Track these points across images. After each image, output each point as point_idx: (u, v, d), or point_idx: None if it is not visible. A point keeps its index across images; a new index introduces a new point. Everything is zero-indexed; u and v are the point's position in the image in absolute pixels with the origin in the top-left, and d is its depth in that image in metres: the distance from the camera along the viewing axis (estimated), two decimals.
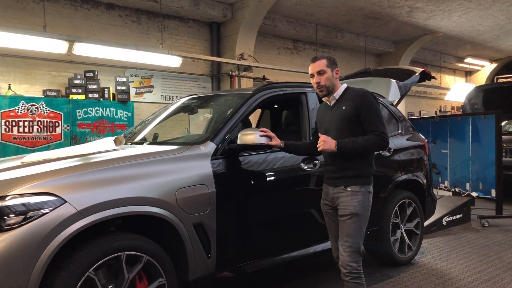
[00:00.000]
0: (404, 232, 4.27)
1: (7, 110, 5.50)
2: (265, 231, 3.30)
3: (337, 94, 2.85)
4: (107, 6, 6.79)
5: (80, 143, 6.08)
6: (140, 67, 7.16)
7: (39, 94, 6.06)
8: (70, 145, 6.00)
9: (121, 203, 2.51)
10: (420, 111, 12.65)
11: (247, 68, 7.96)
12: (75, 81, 6.12)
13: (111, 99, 6.38)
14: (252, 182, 3.23)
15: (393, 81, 5.08)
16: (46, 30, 5.84)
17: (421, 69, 5.28)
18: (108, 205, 2.45)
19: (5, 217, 2.24)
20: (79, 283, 2.33)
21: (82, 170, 2.56)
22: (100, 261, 2.40)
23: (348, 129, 2.76)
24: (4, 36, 5.35)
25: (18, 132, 5.60)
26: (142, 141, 3.74)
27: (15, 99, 5.58)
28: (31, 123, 5.68)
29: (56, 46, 5.74)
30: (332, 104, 2.88)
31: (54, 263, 2.30)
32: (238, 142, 3.09)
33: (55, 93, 5.97)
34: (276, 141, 3.01)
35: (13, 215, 2.26)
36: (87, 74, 6.30)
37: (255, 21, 7.82)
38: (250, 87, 4.30)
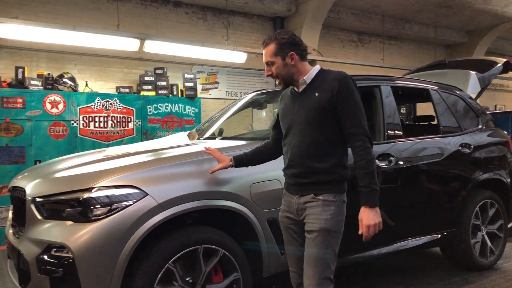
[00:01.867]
0: (485, 235, 4.00)
1: (84, 106, 5.81)
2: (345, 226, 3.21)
3: (308, 78, 2.26)
4: (174, 4, 6.96)
5: (150, 138, 6.31)
6: (206, 63, 7.29)
7: (113, 91, 6.35)
8: (141, 140, 6.24)
9: (198, 196, 2.55)
10: (495, 106, 11.83)
11: (311, 63, 7.81)
12: (146, 78, 6.34)
13: (180, 95, 6.55)
14: None
15: (472, 73, 4.75)
16: (119, 29, 6.09)
17: (504, 60, 4.90)
18: (186, 198, 2.50)
19: (92, 208, 2.35)
20: (160, 274, 2.39)
21: (161, 164, 2.63)
22: (179, 254, 2.46)
23: (321, 122, 2.18)
24: (82, 36, 5.64)
25: (95, 127, 5.90)
26: (214, 136, 3.79)
27: (91, 96, 5.88)
28: (106, 118, 5.96)
29: (128, 44, 5.97)
30: (301, 90, 2.28)
31: (135, 254, 2.38)
32: None
33: (127, 90, 6.23)
34: (223, 164, 2.53)
35: (99, 207, 2.36)
36: (157, 71, 6.51)
37: (320, 15, 7.67)
38: None
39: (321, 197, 2.19)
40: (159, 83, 6.44)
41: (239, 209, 2.66)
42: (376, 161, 3.32)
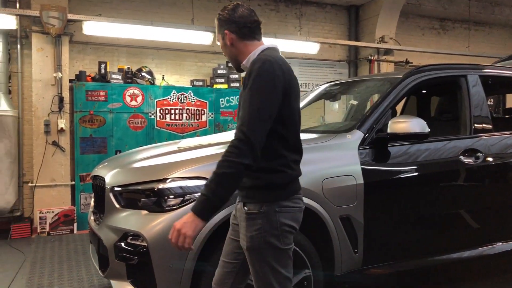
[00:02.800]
0: None
1: (161, 99, 6.02)
2: (415, 229, 3.01)
3: (248, 61, 1.86)
4: None
5: (223, 130, 6.39)
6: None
7: (188, 84, 6.51)
8: (214, 132, 6.34)
9: None
10: None
11: (388, 52, 7.46)
12: (219, 71, 6.43)
13: None
14: (403, 176, 2.96)
15: None
16: (194, 23, 6.21)
17: None
18: None
19: (166, 199, 2.40)
20: None
21: None
22: None
23: None
24: (159, 31, 5.83)
25: (170, 119, 6.10)
26: None
27: (167, 89, 6.08)
28: (181, 111, 6.14)
29: (202, 37, 6.08)
30: (244, 76, 1.86)
31: (205, 245, 2.39)
32: (389, 130, 2.86)
33: (201, 83, 6.36)
34: None
35: (173, 197, 2.40)
36: (229, 64, 6.56)
37: (398, 1, 7.26)
38: (398, 71, 3.97)
39: (245, 208, 1.82)
40: (231, 76, 6.50)
41: (310, 205, 2.58)
42: (461, 157, 3.07)
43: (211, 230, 2.36)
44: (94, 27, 5.49)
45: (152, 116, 6.01)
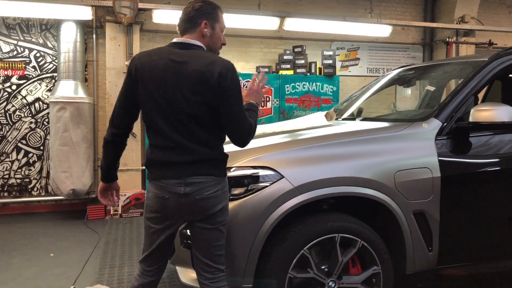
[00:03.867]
0: None
1: None
2: (496, 228, 2.73)
3: None
4: None
5: (288, 118, 6.29)
6: (346, 39, 6.94)
7: (253, 71, 6.47)
8: (279, 120, 6.26)
9: (336, 182, 2.38)
10: None
11: (468, 33, 6.87)
12: (285, 57, 6.30)
13: (318, 74, 6.37)
14: (485, 169, 2.69)
15: None
16: (260, 8, 6.12)
17: None
18: (323, 183, 2.35)
19: (230, 188, 2.36)
20: (295, 259, 2.31)
21: (297, 145, 2.52)
22: (315, 241, 2.34)
23: None
24: (226, 17, 5.80)
25: None
26: (353, 117, 3.54)
27: None
28: None
29: (268, 23, 5.98)
30: None
31: (269, 237, 2.33)
32: (471, 119, 2.60)
33: (266, 69, 6.28)
34: None
35: (237, 186, 2.36)
36: (295, 50, 6.42)
37: None
38: (480, 54, 3.61)
39: None
40: (298, 62, 6.34)
41: (381, 199, 2.43)
42: None
43: (275, 222, 2.29)
44: (163, 15, 5.59)
45: None
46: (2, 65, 5.68)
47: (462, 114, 2.69)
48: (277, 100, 6.27)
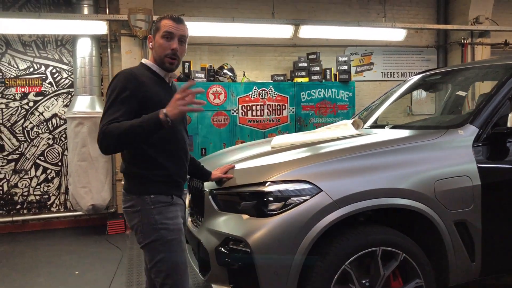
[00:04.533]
0: None
1: (243, 95, 6.01)
2: None
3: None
4: None
5: (304, 125, 6.25)
6: (360, 44, 6.90)
7: (267, 79, 6.44)
8: (295, 128, 6.22)
9: (376, 194, 2.32)
10: None
11: (483, 34, 6.81)
12: (299, 64, 6.27)
13: (333, 80, 6.33)
14: None
15: None
16: (274, 16, 6.09)
17: None
18: (363, 195, 2.29)
19: (267, 203, 2.31)
20: (336, 275, 2.25)
21: (332, 157, 2.46)
22: (356, 255, 2.28)
23: None
24: (240, 27, 5.80)
25: (252, 115, 6.07)
26: (377, 124, 3.49)
27: (249, 85, 6.05)
28: (262, 106, 6.09)
29: (282, 31, 5.95)
30: (168, 81, 2.24)
31: (310, 252, 2.27)
32: (509, 124, 2.54)
33: (281, 77, 6.24)
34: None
35: (274, 201, 2.31)
36: (310, 56, 6.39)
37: None
38: (507, 56, 3.54)
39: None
40: (312, 69, 6.31)
41: (422, 209, 2.36)
42: None
43: (315, 238, 2.23)
44: None
45: (235, 113, 6.01)
46: (19, 82, 5.69)
47: (497, 119, 2.63)
48: (293, 108, 6.23)
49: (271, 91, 6.12)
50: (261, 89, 6.09)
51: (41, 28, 5.28)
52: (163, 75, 2.19)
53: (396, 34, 6.40)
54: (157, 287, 2.10)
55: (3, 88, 5.64)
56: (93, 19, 5.29)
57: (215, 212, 2.53)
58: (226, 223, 2.45)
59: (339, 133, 3.02)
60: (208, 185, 2.62)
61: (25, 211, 5.79)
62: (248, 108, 6.09)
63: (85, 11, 5.48)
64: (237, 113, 6.02)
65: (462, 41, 6.77)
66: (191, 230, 2.86)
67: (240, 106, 6.03)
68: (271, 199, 2.30)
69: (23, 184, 5.77)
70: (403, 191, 2.35)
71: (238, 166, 2.65)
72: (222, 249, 2.40)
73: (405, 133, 2.85)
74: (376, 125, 3.49)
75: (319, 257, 2.27)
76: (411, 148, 2.51)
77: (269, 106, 6.15)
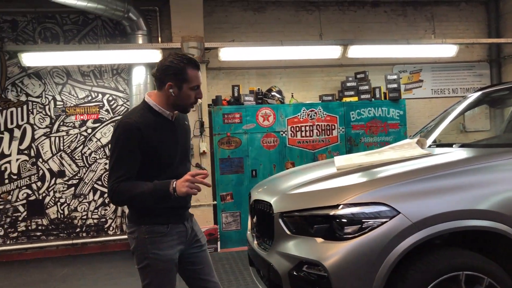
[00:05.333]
0: None
1: (291, 117, 6.04)
2: None
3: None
4: (372, 4, 6.72)
5: (354, 145, 6.18)
6: (408, 62, 6.82)
7: (315, 100, 6.44)
8: (346, 148, 6.16)
9: (454, 216, 2.25)
10: None
11: None
12: (348, 84, 6.25)
13: (383, 99, 6.27)
14: None
15: None
16: (322, 38, 6.12)
17: None
18: (442, 218, 2.23)
19: (343, 226, 2.28)
20: None
21: (407, 178, 2.41)
22: (438, 280, 2.20)
23: None
24: (288, 50, 5.87)
25: (301, 136, 6.08)
26: (446, 143, 3.40)
27: (297, 106, 6.08)
28: (311, 127, 6.09)
29: (330, 52, 5.98)
30: (173, 118, 2.26)
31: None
32: None
33: (330, 97, 6.24)
34: None
35: (350, 225, 2.28)
36: (358, 76, 6.37)
37: None
38: None
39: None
40: (361, 88, 6.27)
41: (504, 231, 2.26)
42: None
43: (394, 262, 2.18)
44: (229, 53, 5.72)
45: (284, 135, 6.04)
46: (79, 110, 5.98)
47: None
48: (342, 128, 6.19)
49: (320, 111, 6.12)
50: (310, 109, 6.10)
51: (100, 59, 5.56)
52: (168, 115, 2.22)
53: (446, 50, 6.28)
54: None
55: (64, 116, 5.94)
56: (148, 48, 5.51)
57: (286, 235, 2.52)
58: (298, 247, 2.43)
59: (406, 153, 2.96)
60: (277, 208, 2.62)
61: (84, 234, 5.99)
62: (297, 129, 6.10)
63: (140, 40, 5.72)
64: (286, 134, 6.04)
65: None
66: (258, 253, 2.85)
67: (289, 127, 6.05)
68: (346, 222, 2.28)
69: (82, 208, 5.99)
70: (484, 212, 2.26)
71: (308, 189, 2.64)
72: (296, 273, 2.38)
73: (477, 152, 2.76)
74: (440, 144, 3.41)
75: (398, 282, 2.21)
76: (488, 167, 2.43)
77: (318, 126, 6.14)
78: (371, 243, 2.20)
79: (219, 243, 5.73)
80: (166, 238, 2.18)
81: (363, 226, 2.25)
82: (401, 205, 2.25)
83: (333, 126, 6.19)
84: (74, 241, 5.91)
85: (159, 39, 6.02)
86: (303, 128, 6.12)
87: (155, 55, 5.54)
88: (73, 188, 5.96)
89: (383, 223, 2.23)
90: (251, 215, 3.37)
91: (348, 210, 2.30)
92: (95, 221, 6.02)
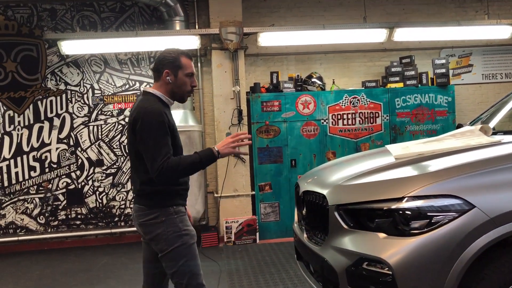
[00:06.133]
0: None
1: (333, 104, 5.79)
2: None
3: None
4: None
5: (399, 133, 5.88)
6: (457, 45, 6.41)
7: (357, 86, 6.16)
8: (390, 137, 5.87)
9: None
10: None
11: None
12: (393, 69, 5.93)
13: (430, 85, 5.91)
14: None
15: None
16: (366, 21, 5.80)
17: None
18: None
19: (409, 221, 2.07)
20: None
21: (480, 168, 2.16)
22: None
23: None
24: (330, 34, 5.61)
25: (343, 124, 5.83)
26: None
27: (339, 93, 5.82)
28: (353, 115, 5.82)
29: (374, 35, 5.66)
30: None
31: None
32: None
33: (373, 84, 5.94)
34: None
35: (417, 219, 2.06)
36: (403, 61, 6.03)
37: None
38: None
39: None
40: (407, 73, 5.94)
41: None
42: None
43: (470, 261, 1.95)
44: (268, 38, 5.51)
45: (325, 123, 5.81)
46: (116, 99, 5.93)
47: None
48: (387, 116, 5.89)
49: (363, 98, 5.85)
50: (352, 96, 5.83)
51: (137, 46, 5.47)
52: (169, 104, 2.43)
53: (501, 31, 5.84)
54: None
55: (102, 105, 5.91)
56: (186, 34, 5.37)
57: (343, 229, 2.33)
58: (357, 242, 2.24)
59: (471, 141, 2.69)
60: (333, 200, 2.43)
61: (122, 223, 5.98)
62: (339, 117, 5.85)
63: (177, 27, 5.59)
64: (327, 123, 5.81)
65: None
66: (309, 247, 2.68)
67: (330, 115, 5.81)
68: (413, 216, 2.06)
69: (120, 197, 5.97)
70: None
71: (366, 180, 2.43)
72: (356, 270, 2.19)
73: None
74: (508, 131, 3.11)
75: (472, 283, 1.98)
76: None
77: (361, 114, 5.87)
78: (442, 240, 1.98)
79: (257, 234, 5.59)
80: (186, 216, 2.40)
81: (432, 221, 2.03)
82: (476, 198, 2.02)
83: (376, 114, 5.90)
84: (113, 230, 5.91)
85: (196, 25, 5.87)
86: (345, 116, 5.86)
87: (193, 41, 5.40)
88: (111, 177, 5.95)
89: (455, 217, 2.00)
90: (298, 206, 3.20)
91: (415, 203, 2.08)
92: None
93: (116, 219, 5.97)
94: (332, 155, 5.78)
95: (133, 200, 2.47)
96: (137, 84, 5.96)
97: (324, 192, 2.53)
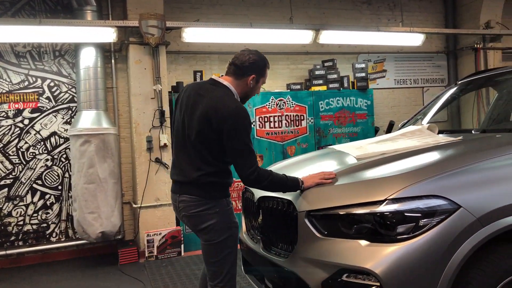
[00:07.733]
0: None
1: (259, 106, 5.59)
2: None
3: None
4: None
5: (323, 136, 5.89)
6: (372, 51, 6.66)
7: (282, 89, 6.05)
8: (314, 138, 5.85)
9: None
10: None
11: (495, 38, 6.70)
12: (316, 72, 5.93)
13: (351, 88, 6.02)
14: None
15: None
16: (292, 21, 5.71)
17: None
18: (507, 211, 1.92)
19: (394, 225, 1.89)
20: None
21: (458, 166, 2.07)
22: (506, 280, 1.89)
23: None
24: (255, 33, 5.41)
25: (270, 127, 5.65)
26: (466, 129, 3.15)
27: (265, 95, 5.64)
28: (280, 117, 5.68)
29: (302, 36, 5.58)
30: None
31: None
32: None
33: (298, 86, 5.87)
34: None
35: (402, 223, 1.89)
36: (326, 64, 6.07)
37: None
38: None
39: None
40: (330, 76, 5.98)
41: None
42: None
43: (460, 265, 1.84)
44: (194, 34, 5.13)
45: (252, 126, 5.58)
46: (13, 97, 5.07)
47: None
48: (311, 118, 5.86)
49: (289, 100, 5.75)
50: (279, 99, 5.70)
51: (41, 36, 4.72)
52: None
53: (414, 39, 6.19)
54: (219, 276, 2.33)
55: None
56: (101, 25, 4.76)
57: (315, 238, 2.09)
58: (335, 252, 2.01)
59: (429, 139, 2.64)
60: (303, 206, 2.17)
61: (21, 243, 5.10)
62: (266, 120, 5.67)
63: (88, 17, 4.95)
64: (254, 125, 5.59)
65: (476, 45, 6.64)
66: (269, 259, 2.39)
67: (257, 117, 5.61)
68: (397, 220, 1.89)
69: (17, 212, 5.10)
70: None
71: (336, 183, 2.22)
72: (333, 283, 1.96)
73: None
74: (451, 131, 3.15)
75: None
76: None
77: (287, 117, 5.76)
78: (433, 244, 1.84)
79: (182, 246, 5.14)
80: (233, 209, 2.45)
81: (419, 225, 1.87)
82: (460, 197, 1.91)
83: (302, 117, 5.84)
84: (8, 252, 5.00)
85: (110, 17, 5.27)
86: (271, 119, 5.70)
87: (108, 34, 4.80)
88: (6, 189, 5.05)
89: (442, 220, 1.87)
90: (247, 214, 2.90)
91: (398, 206, 1.91)
92: (34, 227, 5.16)
93: (13, 238, 5.07)
94: (259, 159, 5.57)
95: (176, 190, 2.39)
96: (39, 81, 5.16)
97: (290, 197, 2.27)
